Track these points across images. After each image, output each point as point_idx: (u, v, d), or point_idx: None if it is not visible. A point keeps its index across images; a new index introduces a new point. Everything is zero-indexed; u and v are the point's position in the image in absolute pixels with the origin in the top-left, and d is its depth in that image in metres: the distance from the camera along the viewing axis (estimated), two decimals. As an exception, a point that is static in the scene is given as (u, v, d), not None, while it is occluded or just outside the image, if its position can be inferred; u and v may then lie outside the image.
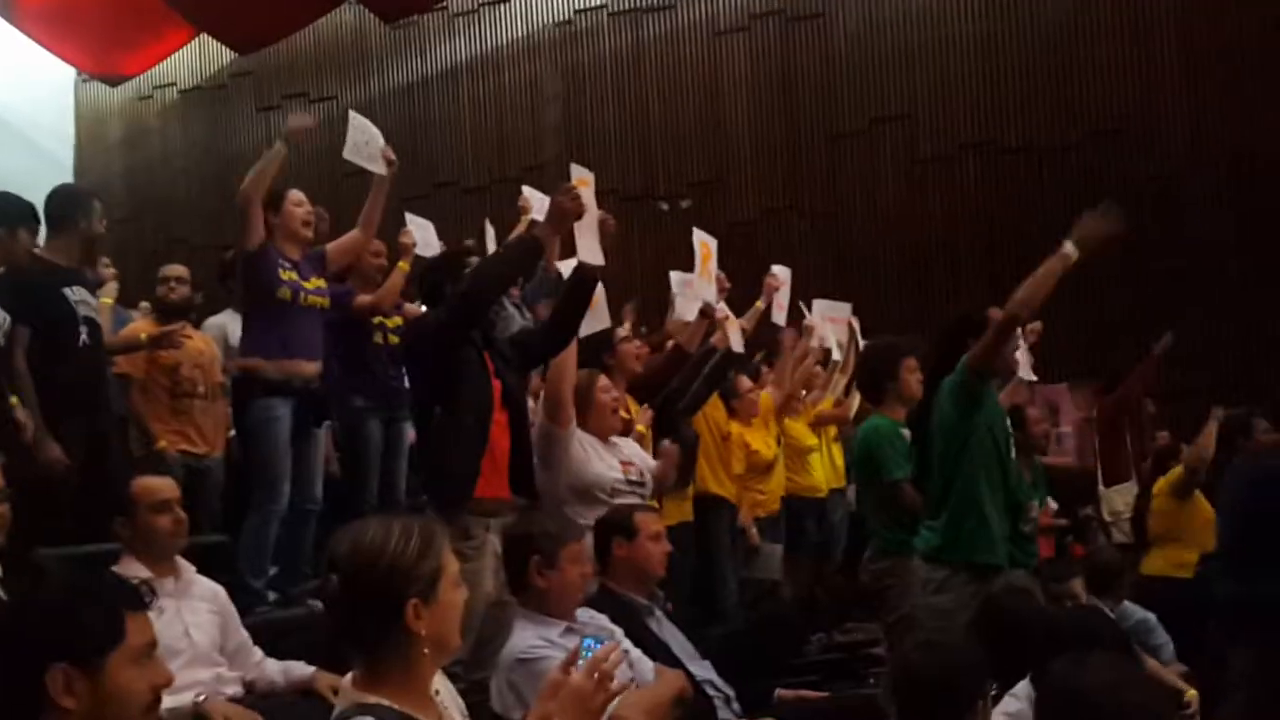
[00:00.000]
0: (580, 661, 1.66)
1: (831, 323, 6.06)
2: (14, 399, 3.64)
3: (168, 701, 2.74)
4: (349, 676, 1.73)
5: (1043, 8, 9.02)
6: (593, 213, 3.48)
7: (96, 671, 1.56)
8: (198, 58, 11.06)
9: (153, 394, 4.65)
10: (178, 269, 5.02)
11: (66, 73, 11.27)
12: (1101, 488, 6.89)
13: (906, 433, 3.98)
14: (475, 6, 10.49)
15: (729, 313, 4.93)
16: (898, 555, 3.95)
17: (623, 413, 4.16)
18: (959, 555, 3.44)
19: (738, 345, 4.85)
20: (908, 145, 9.29)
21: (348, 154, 4.36)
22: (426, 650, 1.70)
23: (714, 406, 5.09)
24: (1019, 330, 3.68)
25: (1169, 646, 4.58)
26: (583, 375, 3.80)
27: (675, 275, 5.34)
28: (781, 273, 5.59)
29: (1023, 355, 4.76)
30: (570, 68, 10.31)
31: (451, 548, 3.02)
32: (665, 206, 9.80)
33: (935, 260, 9.05)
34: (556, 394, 3.64)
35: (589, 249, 3.47)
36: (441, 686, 1.85)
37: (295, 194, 4.27)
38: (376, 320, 4.67)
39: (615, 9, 10.19)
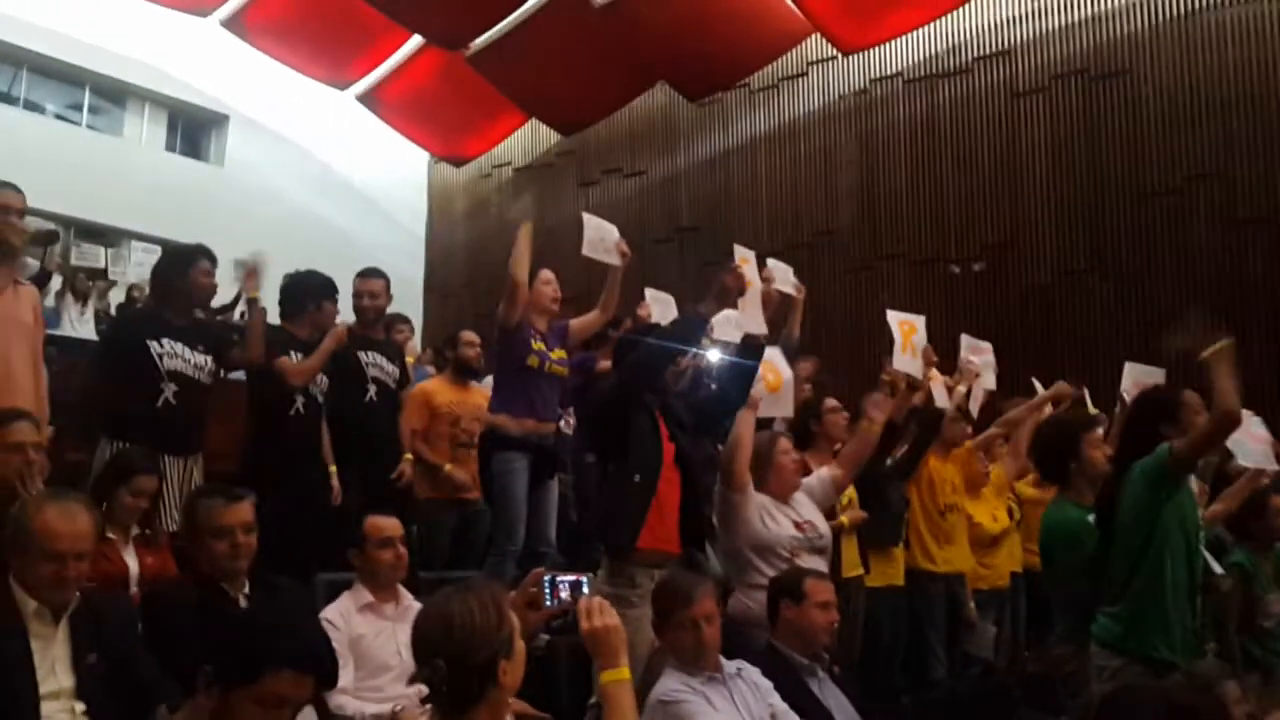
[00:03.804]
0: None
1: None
2: None
3: (371, 709, 3.29)
4: None
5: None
6: (756, 287, 3.75)
7: None
8: (530, 140, 12.37)
9: (435, 442, 5.30)
10: (471, 335, 5.76)
11: (421, 155, 13.06)
12: None
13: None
14: (775, 81, 10.95)
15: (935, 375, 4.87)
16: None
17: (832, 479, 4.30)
18: (1135, 646, 3.30)
19: (941, 401, 4.85)
20: (1225, 204, 8.64)
21: (586, 251, 4.62)
22: (507, 696, 1.95)
23: (938, 474, 5.09)
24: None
25: None
26: (763, 438, 3.99)
27: (966, 339, 5.34)
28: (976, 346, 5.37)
29: (1263, 443, 4.45)
30: (866, 135, 10.49)
31: (616, 593, 3.37)
32: (956, 269, 9.70)
33: (1256, 327, 8.26)
34: (729, 461, 3.86)
35: (752, 321, 3.74)
36: None
37: (545, 273, 4.79)
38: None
39: (911, 76, 10.27)
